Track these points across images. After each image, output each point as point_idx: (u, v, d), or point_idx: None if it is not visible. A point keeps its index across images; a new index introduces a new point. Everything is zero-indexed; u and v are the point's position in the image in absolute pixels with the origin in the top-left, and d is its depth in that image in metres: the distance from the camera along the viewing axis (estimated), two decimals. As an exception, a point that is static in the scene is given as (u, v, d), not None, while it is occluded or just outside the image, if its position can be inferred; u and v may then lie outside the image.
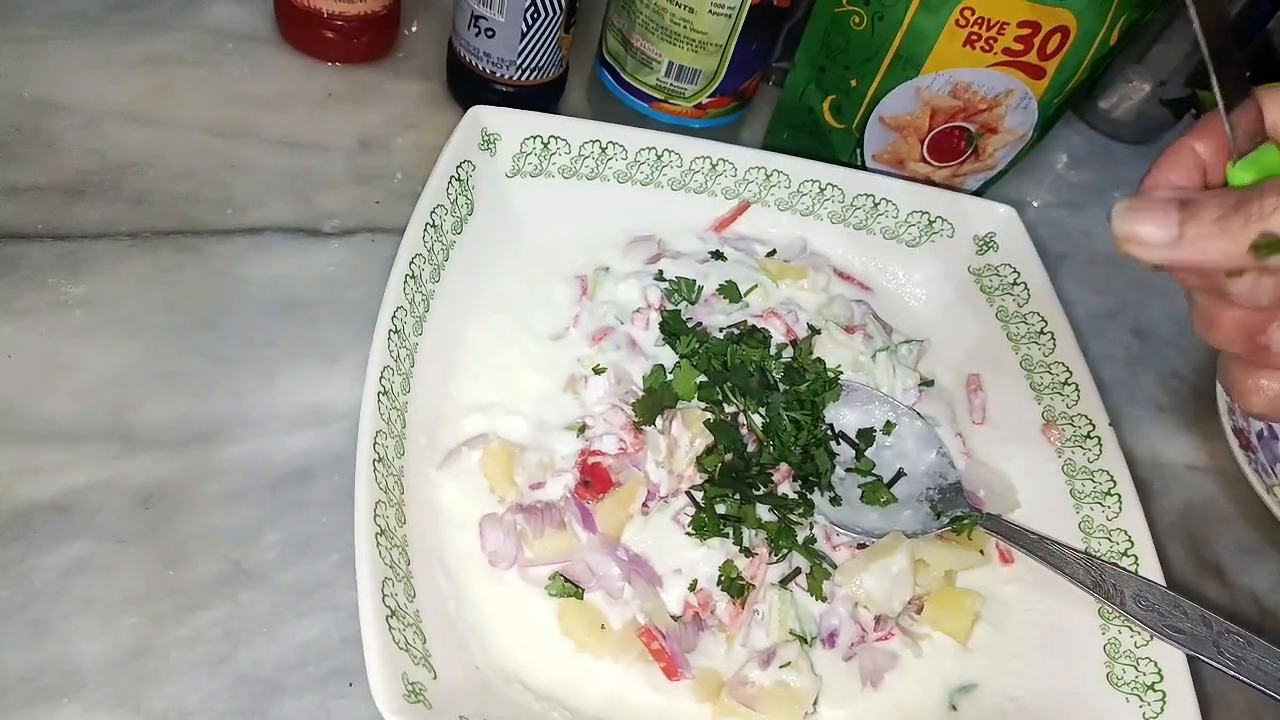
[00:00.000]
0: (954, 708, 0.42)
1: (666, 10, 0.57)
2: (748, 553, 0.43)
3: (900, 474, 0.48)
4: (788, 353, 0.51)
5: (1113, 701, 0.41)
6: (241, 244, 0.51)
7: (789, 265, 0.55)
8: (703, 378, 0.48)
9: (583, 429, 0.45)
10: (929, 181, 0.61)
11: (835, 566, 0.44)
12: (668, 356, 0.49)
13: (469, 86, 0.59)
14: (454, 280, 0.47)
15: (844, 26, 0.55)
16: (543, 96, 0.60)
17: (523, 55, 0.56)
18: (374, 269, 0.50)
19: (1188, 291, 0.35)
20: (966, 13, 0.51)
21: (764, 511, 0.44)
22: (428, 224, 0.45)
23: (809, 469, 0.46)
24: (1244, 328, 0.33)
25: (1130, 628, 0.42)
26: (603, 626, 0.40)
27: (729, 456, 0.45)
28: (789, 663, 0.40)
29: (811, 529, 0.45)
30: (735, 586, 0.42)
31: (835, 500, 0.46)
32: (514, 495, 0.43)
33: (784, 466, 0.46)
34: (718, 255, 0.55)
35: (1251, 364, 0.34)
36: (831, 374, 0.50)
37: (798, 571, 0.44)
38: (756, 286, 0.53)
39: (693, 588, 0.42)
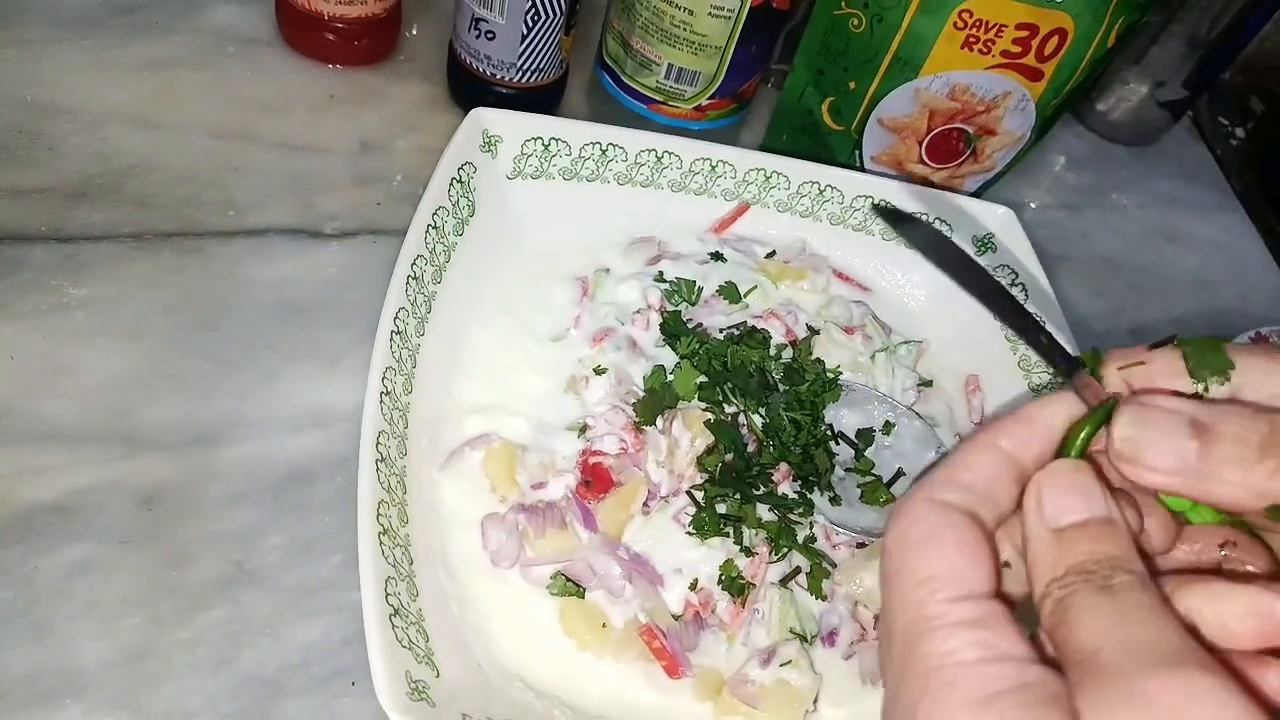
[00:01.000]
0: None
1: (666, 13, 0.57)
2: (748, 552, 0.43)
3: (899, 474, 0.48)
4: (787, 353, 0.51)
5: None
6: (243, 246, 0.51)
7: (788, 266, 0.56)
8: (703, 378, 0.48)
9: (584, 429, 0.45)
10: (927, 183, 0.61)
11: (835, 565, 0.45)
12: (668, 357, 0.49)
13: (470, 89, 0.59)
14: (455, 281, 0.47)
15: (843, 29, 0.55)
16: (543, 98, 0.60)
17: (523, 57, 0.57)
18: (375, 271, 0.50)
19: None
20: (965, 15, 0.51)
21: (764, 511, 0.45)
22: (429, 225, 0.46)
23: (809, 469, 0.46)
24: None
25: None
26: (604, 625, 0.41)
27: (729, 456, 0.45)
28: (789, 661, 0.40)
29: (811, 528, 0.45)
30: (736, 585, 0.42)
31: (835, 500, 0.46)
32: (515, 495, 0.43)
33: (784, 466, 0.46)
34: (717, 256, 0.55)
35: None
36: (831, 374, 0.50)
37: (798, 570, 0.44)
38: (756, 287, 0.53)
39: (693, 587, 0.42)
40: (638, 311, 0.51)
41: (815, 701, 0.41)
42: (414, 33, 0.65)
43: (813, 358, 0.51)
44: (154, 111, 0.55)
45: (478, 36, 0.56)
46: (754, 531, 0.44)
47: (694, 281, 0.53)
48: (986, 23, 0.52)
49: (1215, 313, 0.71)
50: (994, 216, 0.58)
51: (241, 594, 0.40)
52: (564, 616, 0.41)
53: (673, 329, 0.50)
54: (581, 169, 0.53)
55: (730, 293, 0.53)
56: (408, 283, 0.43)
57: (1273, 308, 0.74)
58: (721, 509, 0.44)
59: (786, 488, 0.46)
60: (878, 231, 0.58)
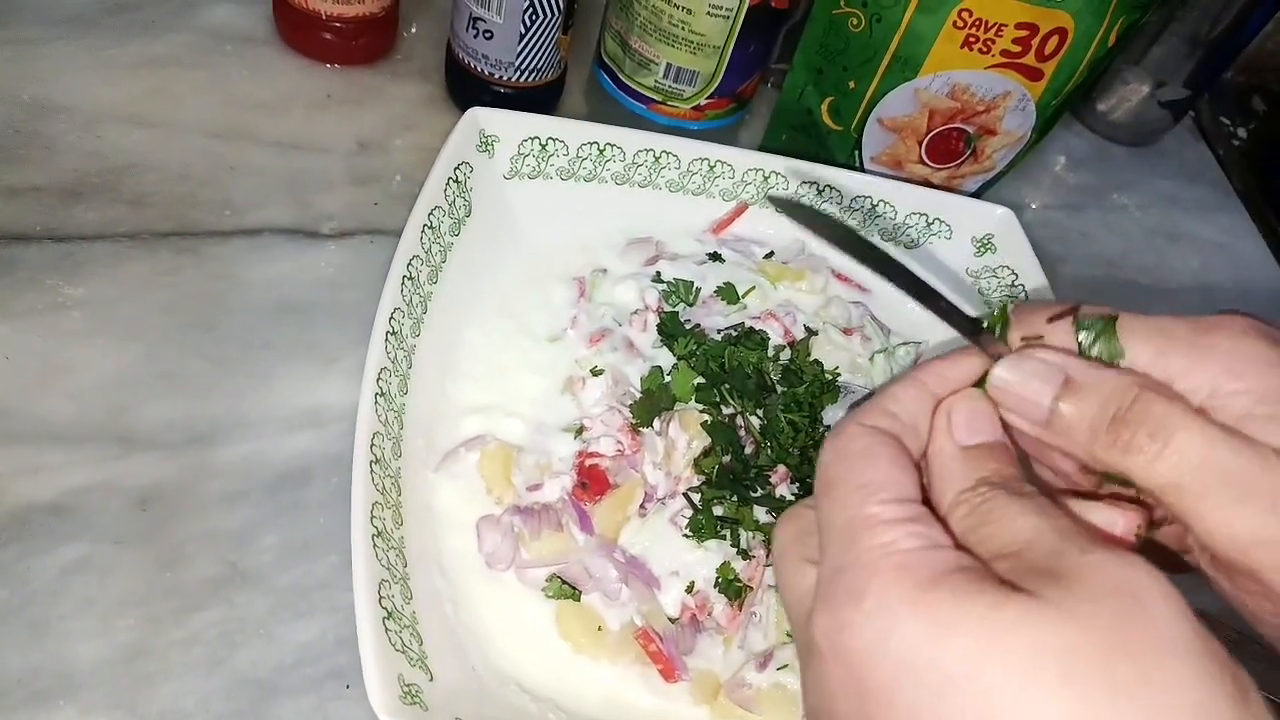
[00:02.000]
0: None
1: (664, 12, 0.57)
2: (745, 555, 0.43)
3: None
4: (785, 354, 0.51)
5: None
6: (240, 246, 0.51)
7: (787, 267, 0.55)
8: (700, 379, 0.48)
9: (580, 431, 0.45)
10: (927, 183, 0.61)
11: (832, 568, 0.44)
12: (665, 358, 0.49)
13: (467, 88, 0.59)
14: (452, 282, 0.47)
15: (842, 28, 0.55)
16: (541, 98, 0.60)
17: (521, 57, 0.56)
18: (372, 271, 0.50)
19: None
20: (964, 14, 0.51)
21: (761, 513, 0.44)
22: (425, 225, 0.45)
23: (806, 471, 0.46)
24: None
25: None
26: (600, 628, 0.40)
27: (726, 458, 0.45)
28: (786, 665, 0.40)
29: (809, 531, 0.45)
30: (732, 588, 0.42)
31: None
32: (511, 497, 0.43)
33: (781, 468, 0.46)
34: (715, 257, 0.55)
35: None
36: (829, 376, 0.50)
37: (795, 573, 0.44)
38: (754, 288, 0.53)
39: (690, 590, 0.42)
40: (635, 312, 0.51)
41: (811, 704, 0.41)
42: (412, 32, 0.65)
43: (811, 359, 0.51)
44: (150, 110, 0.55)
45: (475, 36, 0.56)
46: (751, 534, 0.44)
47: (692, 282, 0.52)
48: (986, 22, 0.51)
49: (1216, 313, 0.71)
50: (994, 217, 0.57)
51: (236, 594, 0.40)
52: (560, 619, 0.41)
53: (670, 330, 0.50)
54: (579, 169, 0.53)
55: (728, 293, 0.53)
56: (403, 283, 0.43)
57: (1274, 308, 0.74)
58: (719, 511, 0.44)
59: (784, 490, 0.46)
60: (877, 232, 0.58)
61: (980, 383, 0.30)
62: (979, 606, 0.23)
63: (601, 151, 0.53)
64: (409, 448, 0.41)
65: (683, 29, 0.57)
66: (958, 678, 0.22)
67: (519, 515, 0.42)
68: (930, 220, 0.58)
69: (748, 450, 0.46)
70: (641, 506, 0.44)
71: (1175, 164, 0.83)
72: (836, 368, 0.51)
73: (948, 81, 0.54)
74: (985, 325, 0.32)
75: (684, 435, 0.45)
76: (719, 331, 0.51)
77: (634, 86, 0.62)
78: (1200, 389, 0.28)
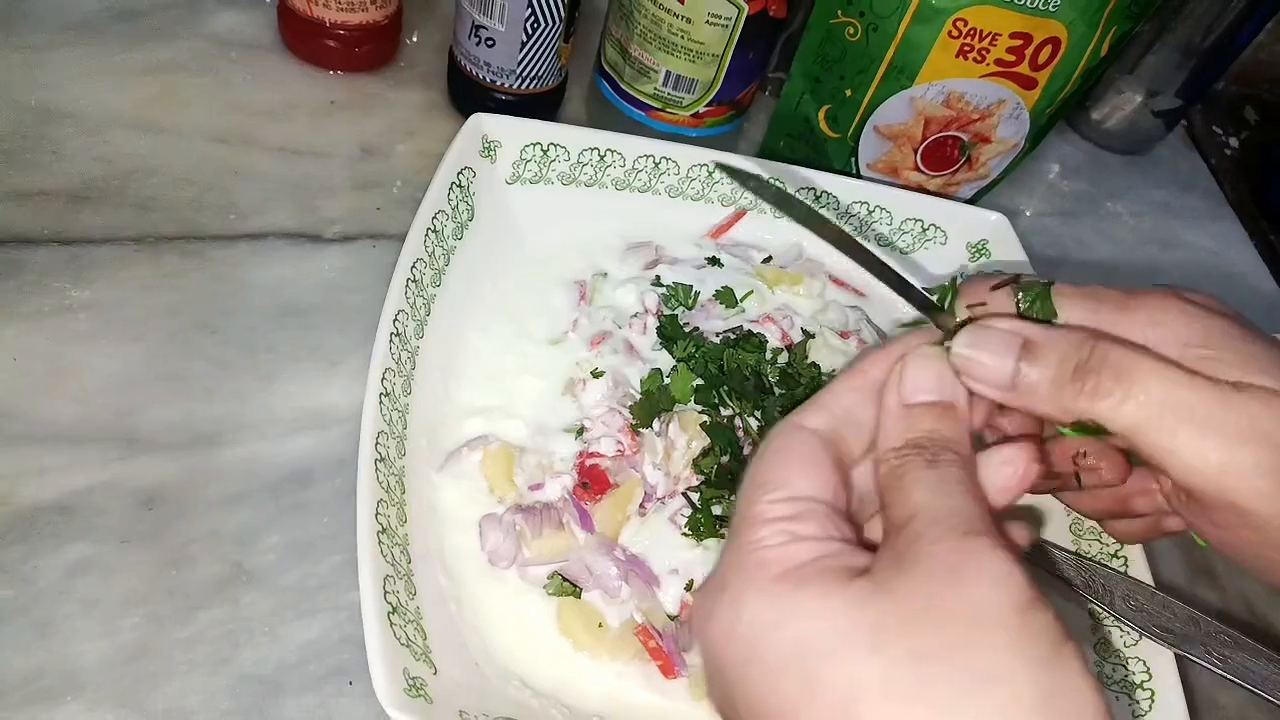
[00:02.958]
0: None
1: (664, 20, 0.57)
2: (744, 554, 0.43)
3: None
4: (783, 357, 0.51)
5: (1104, 701, 0.42)
6: (244, 249, 0.51)
7: (784, 271, 0.56)
8: (699, 381, 0.48)
9: (581, 431, 0.46)
10: (922, 190, 0.61)
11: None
12: (665, 361, 0.49)
13: (469, 95, 0.60)
14: (454, 285, 0.47)
15: (839, 37, 0.56)
16: (542, 105, 0.61)
17: (522, 64, 0.57)
18: (374, 275, 0.51)
19: None
20: (959, 24, 0.52)
21: (760, 514, 0.45)
22: (429, 229, 0.46)
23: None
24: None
25: (1119, 627, 0.43)
26: (600, 625, 0.41)
27: (725, 459, 0.46)
28: (784, 662, 0.41)
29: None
30: (731, 587, 0.42)
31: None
32: (513, 496, 0.43)
33: (779, 469, 0.46)
34: (714, 261, 0.55)
35: None
36: (826, 378, 0.51)
37: (793, 573, 0.44)
38: (752, 292, 0.54)
39: (689, 587, 0.42)
40: (635, 315, 0.51)
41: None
42: (414, 39, 0.66)
43: (808, 362, 0.51)
44: (156, 116, 0.56)
45: (477, 43, 0.56)
46: (749, 533, 0.44)
47: (691, 286, 0.53)
48: (981, 31, 0.52)
49: (1209, 320, 0.72)
50: (988, 222, 0.58)
51: (240, 594, 0.40)
52: (561, 616, 0.41)
53: (670, 333, 0.50)
54: (580, 174, 0.54)
55: (727, 297, 0.53)
56: (407, 285, 0.44)
57: (1266, 315, 0.75)
58: (717, 510, 0.44)
59: (782, 490, 0.46)
60: (873, 238, 0.58)
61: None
62: (815, 591, 0.25)
63: (602, 157, 0.54)
64: (412, 447, 0.42)
65: (682, 37, 0.58)
66: (787, 657, 0.24)
67: (521, 514, 0.42)
68: (925, 226, 0.58)
69: (746, 451, 0.47)
70: (641, 506, 0.44)
71: (1168, 172, 0.83)
72: (833, 370, 0.51)
73: (943, 90, 0.55)
74: (935, 297, 0.33)
75: (683, 436, 0.46)
76: (718, 334, 0.51)
77: (634, 94, 0.62)
78: (1133, 338, 0.30)
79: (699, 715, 0.40)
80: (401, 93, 0.62)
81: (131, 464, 0.43)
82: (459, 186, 0.49)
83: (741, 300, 0.53)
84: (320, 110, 0.59)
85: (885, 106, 0.57)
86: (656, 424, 0.46)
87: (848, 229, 0.37)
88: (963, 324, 0.32)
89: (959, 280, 0.34)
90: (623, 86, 0.63)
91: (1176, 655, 0.41)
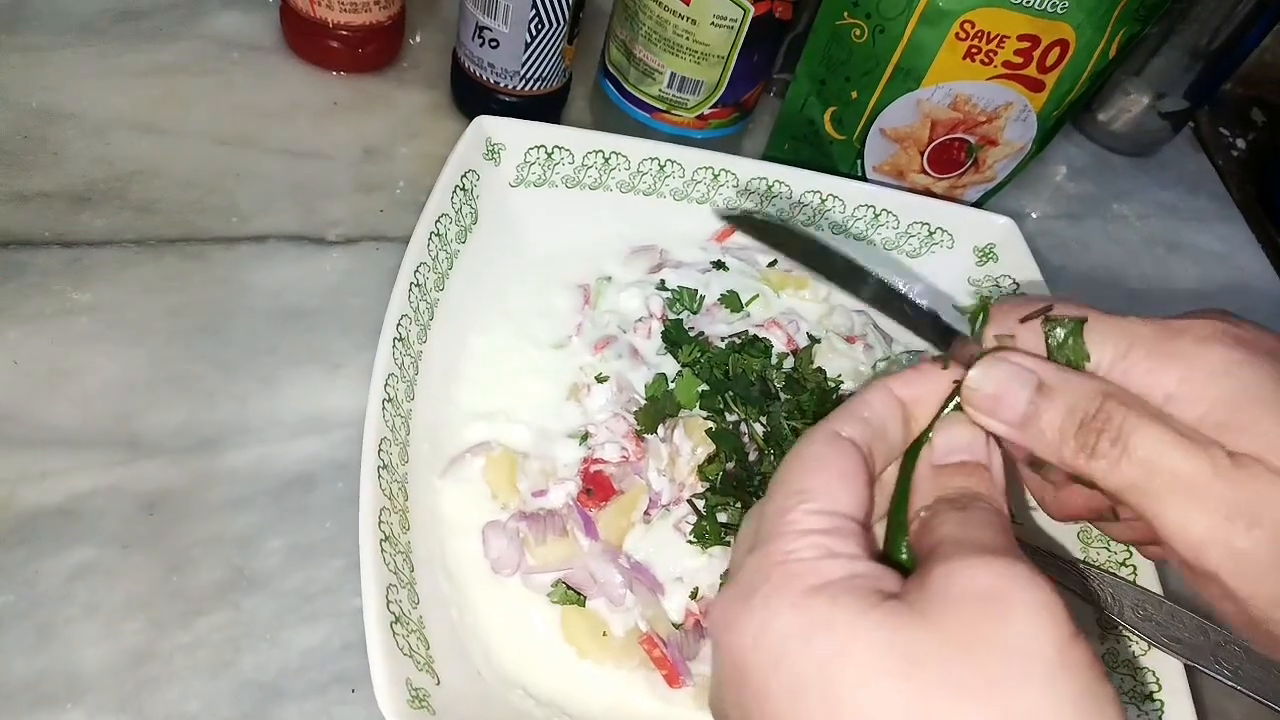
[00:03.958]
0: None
1: (669, 22, 0.57)
2: (748, 561, 0.43)
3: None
4: (789, 362, 0.51)
5: (1112, 711, 0.41)
6: (246, 252, 0.51)
7: (790, 275, 0.56)
8: (704, 386, 0.48)
9: (585, 437, 0.46)
10: (929, 193, 0.61)
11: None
12: (670, 365, 0.49)
13: (473, 96, 0.59)
14: (458, 288, 0.47)
15: (845, 39, 0.55)
16: (546, 106, 0.61)
17: (526, 66, 0.57)
18: (377, 277, 0.51)
19: None
20: (967, 26, 0.52)
21: (765, 520, 0.45)
22: (432, 233, 0.46)
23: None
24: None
25: (1129, 637, 0.43)
26: (604, 634, 0.41)
27: (730, 465, 0.45)
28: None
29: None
30: (736, 594, 0.42)
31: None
32: (516, 502, 0.43)
33: (785, 475, 0.46)
34: (719, 265, 0.55)
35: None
36: (832, 383, 0.50)
37: (798, 580, 0.44)
38: (758, 296, 0.53)
39: (694, 595, 0.42)
40: (639, 319, 0.51)
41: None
42: (417, 40, 0.65)
43: (814, 367, 0.51)
44: (158, 117, 0.55)
45: (481, 44, 0.56)
46: (754, 540, 0.44)
47: (696, 290, 0.53)
48: (988, 34, 0.52)
49: (1215, 323, 0.72)
50: (995, 227, 0.58)
51: (242, 598, 0.40)
52: (564, 624, 0.41)
53: (674, 337, 0.50)
54: (584, 177, 0.54)
55: (732, 301, 0.53)
56: (410, 289, 0.43)
57: (1273, 318, 0.74)
58: (723, 518, 0.44)
59: (787, 496, 0.46)
60: (879, 241, 0.58)
61: (954, 395, 0.31)
62: (848, 610, 0.24)
63: (606, 160, 0.53)
64: (415, 453, 0.41)
65: (687, 39, 0.58)
66: (814, 674, 0.23)
67: (524, 521, 0.42)
68: (933, 230, 0.58)
69: (751, 457, 0.46)
70: (646, 513, 0.44)
71: (1175, 174, 0.83)
72: (839, 375, 0.51)
73: (950, 92, 0.55)
74: (966, 316, 0.33)
75: (688, 442, 0.45)
76: (723, 339, 0.51)
77: (638, 95, 0.62)
78: (1163, 385, 0.29)
79: (703, 724, 0.40)
80: (404, 94, 0.62)
81: (133, 467, 0.42)
82: (462, 189, 0.48)
83: (747, 304, 0.53)
84: (323, 111, 0.59)
85: (891, 109, 0.56)
86: (661, 430, 0.46)
87: (855, 257, 0.37)
88: (983, 352, 0.32)
89: (991, 303, 0.33)
90: (627, 88, 0.62)
91: (1186, 665, 0.40)
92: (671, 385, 0.48)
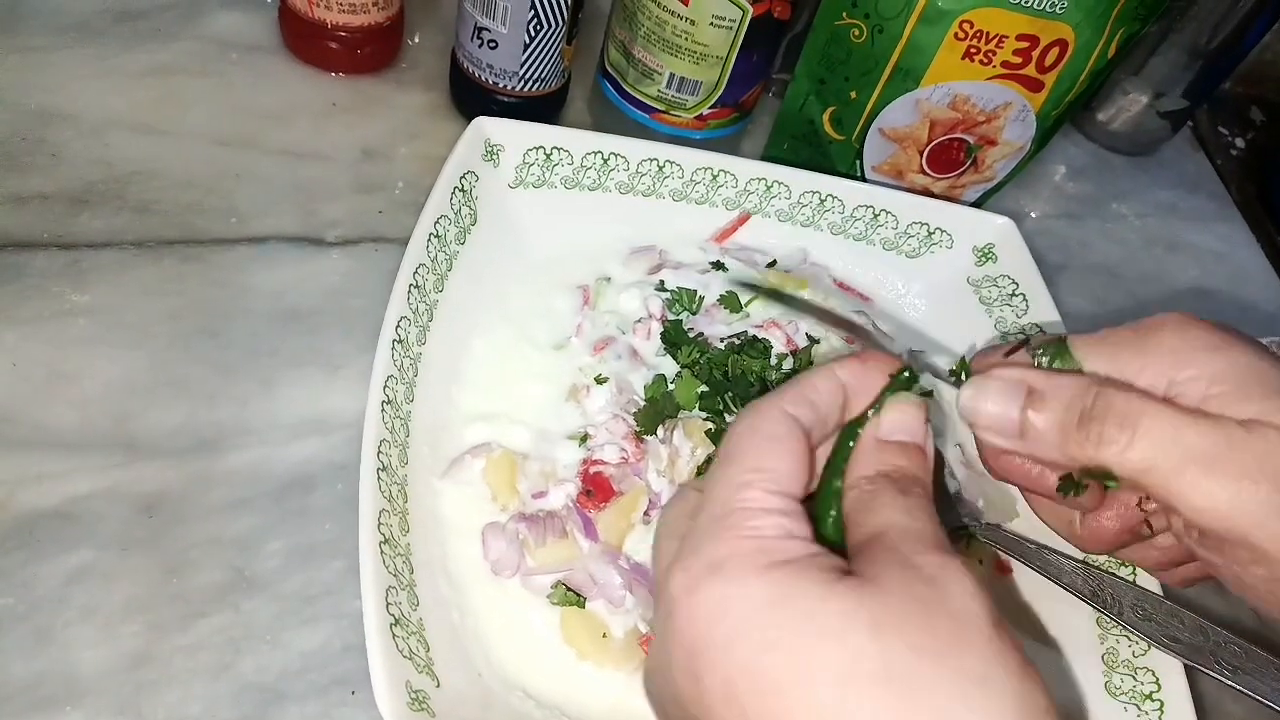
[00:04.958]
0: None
1: (668, 22, 0.57)
2: (748, 562, 0.43)
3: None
4: (788, 363, 0.51)
5: (1111, 710, 0.41)
6: (245, 253, 0.51)
7: (789, 275, 0.56)
8: (704, 387, 0.48)
9: (585, 438, 0.46)
10: (928, 193, 0.61)
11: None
12: (669, 366, 0.49)
13: (471, 97, 0.59)
14: (457, 290, 0.47)
15: (844, 39, 0.55)
16: (545, 107, 0.61)
17: (525, 66, 0.57)
18: (376, 279, 0.51)
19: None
20: (965, 26, 0.51)
21: (764, 521, 0.44)
22: (431, 234, 0.46)
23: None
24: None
25: (1128, 637, 0.43)
26: (604, 635, 0.41)
27: (730, 466, 0.45)
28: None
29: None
30: (736, 595, 0.42)
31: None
32: (516, 504, 0.43)
33: (784, 476, 0.46)
34: (718, 265, 0.55)
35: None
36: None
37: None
38: (757, 297, 0.53)
39: (694, 597, 0.42)
40: (639, 320, 0.51)
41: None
42: (416, 41, 0.65)
43: (813, 367, 0.51)
44: (157, 118, 0.55)
45: (480, 45, 0.56)
46: (754, 541, 0.44)
47: (695, 291, 0.53)
48: (987, 34, 0.52)
49: (1215, 323, 0.72)
50: (994, 226, 0.58)
51: (242, 600, 0.40)
52: (564, 626, 0.41)
53: (674, 338, 0.50)
54: (583, 178, 0.54)
55: (731, 302, 0.53)
56: (410, 291, 0.43)
57: (1273, 317, 0.74)
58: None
59: (787, 497, 0.46)
60: (878, 241, 0.58)
61: (904, 385, 0.32)
62: (814, 583, 0.25)
63: (605, 161, 0.53)
64: (415, 455, 0.41)
65: (686, 39, 0.57)
66: (782, 636, 0.25)
67: (524, 522, 0.42)
68: (931, 230, 0.58)
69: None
70: (645, 514, 0.44)
71: (1174, 174, 0.83)
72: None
73: (949, 92, 0.55)
74: (951, 378, 0.34)
75: (688, 443, 0.45)
76: (722, 340, 0.51)
77: (637, 96, 0.62)
78: (1158, 383, 0.31)
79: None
80: (403, 95, 0.62)
81: (132, 470, 0.42)
82: (461, 191, 0.48)
83: (746, 305, 0.53)
84: (322, 113, 0.59)
85: (890, 109, 0.56)
86: (661, 431, 0.46)
87: (842, 304, 0.38)
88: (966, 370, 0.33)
89: (968, 358, 0.35)
90: (626, 88, 0.62)
91: (1185, 665, 0.40)
92: (671, 386, 0.48)
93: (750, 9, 0.55)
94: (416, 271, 0.44)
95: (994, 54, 0.53)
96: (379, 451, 0.38)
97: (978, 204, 0.64)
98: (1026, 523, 0.49)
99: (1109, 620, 0.42)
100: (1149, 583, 0.44)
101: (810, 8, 0.60)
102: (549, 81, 0.59)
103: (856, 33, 0.54)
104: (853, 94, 0.57)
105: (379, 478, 0.37)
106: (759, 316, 0.53)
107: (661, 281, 0.53)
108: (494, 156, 0.51)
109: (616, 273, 0.54)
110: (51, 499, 0.41)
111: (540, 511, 0.43)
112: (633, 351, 0.49)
